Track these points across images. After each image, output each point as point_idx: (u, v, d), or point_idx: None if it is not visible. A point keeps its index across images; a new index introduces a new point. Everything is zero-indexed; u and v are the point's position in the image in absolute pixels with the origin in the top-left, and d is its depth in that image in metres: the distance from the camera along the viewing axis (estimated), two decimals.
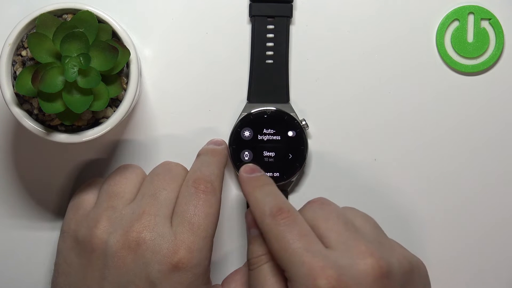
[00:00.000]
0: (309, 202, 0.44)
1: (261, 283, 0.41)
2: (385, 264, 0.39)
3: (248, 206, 0.50)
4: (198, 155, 0.47)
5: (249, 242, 0.43)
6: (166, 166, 0.46)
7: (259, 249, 0.42)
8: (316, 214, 0.42)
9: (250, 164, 0.46)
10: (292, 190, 0.50)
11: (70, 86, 0.42)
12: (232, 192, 0.51)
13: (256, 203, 0.43)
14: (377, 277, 0.39)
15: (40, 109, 0.43)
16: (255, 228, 0.43)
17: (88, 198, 0.46)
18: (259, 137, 0.49)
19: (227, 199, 0.51)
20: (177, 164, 0.46)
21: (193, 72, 0.50)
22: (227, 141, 0.49)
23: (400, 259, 0.41)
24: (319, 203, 0.43)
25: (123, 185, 0.45)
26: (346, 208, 0.44)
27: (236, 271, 0.47)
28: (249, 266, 0.43)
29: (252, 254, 0.42)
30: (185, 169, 0.46)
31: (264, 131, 0.49)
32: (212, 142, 0.49)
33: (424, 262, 0.43)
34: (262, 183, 0.44)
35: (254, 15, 0.49)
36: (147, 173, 0.47)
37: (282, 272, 0.41)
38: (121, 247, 0.42)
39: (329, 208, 0.43)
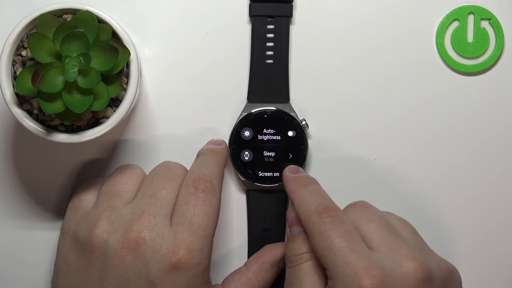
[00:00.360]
0: (350, 205, 0.44)
1: (300, 281, 0.41)
2: (427, 268, 0.39)
3: (250, 207, 0.50)
4: (198, 155, 0.47)
5: (290, 239, 0.43)
6: (166, 166, 0.46)
7: (301, 247, 0.42)
8: (359, 216, 0.42)
9: (294, 165, 0.47)
10: None
11: (70, 86, 0.42)
12: (232, 192, 0.51)
13: (302, 201, 0.43)
14: (420, 280, 0.39)
15: (40, 109, 0.43)
16: (297, 226, 0.43)
17: (88, 198, 0.46)
18: (259, 137, 0.49)
19: (227, 199, 0.51)
20: (177, 164, 0.46)
21: (193, 72, 0.50)
22: (227, 141, 0.49)
23: (439, 264, 0.41)
24: (361, 205, 0.43)
25: (123, 185, 0.45)
26: (385, 212, 0.44)
27: (236, 270, 0.48)
28: (288, 263, 0.43)
29: (293, 252, 0.42)
30: (185, 169, 0.46)
31: (264, 131, 0.49)
32: (212, 142, 0.49)
33: None
34: (307, 182, 0.45)
35: (254, 15, 0.49)
36: (147, 173, 0.47)
37: (322, 271, 0.41)
38: (120, 247, 0.42)
39: (371, 211, 0.43)
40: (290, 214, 0.44)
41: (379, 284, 0.38)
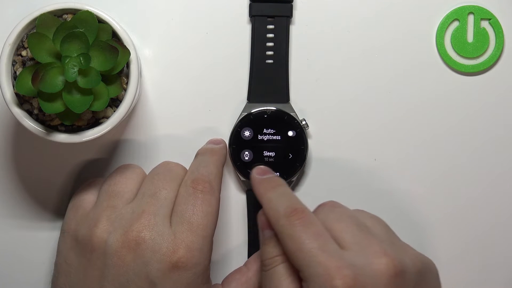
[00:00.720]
0: (320, 205, 0.44)
1: (276, 284, 0.41)
2: (399, 264, 0.39)
3: (250, 207, 0.50)
4: (197, 155, 0.47)
5: (262, 244, 0.43)
6: (166, 166, 0.46)
7: (273, 250, 0.42)
8: (329, 216, 0.42)
9: (262, 166, 0.47)
10: (293, 190, 0.50)
11: (70, 86, 0.42)
12: (232, 191, 0.51)
13: (270, 204, 0.43)
14: (392, 276, 0.39)
15: (40, 109, 0.43)
16: (268, 229, 0.43)
17: (88, 198, 0.46)
18: (259, 137, 0.49)
19: (227, 198, 0.51)
20: (177, 164, 0.47)
21: (193, 72, 0.50)
22: (227, 141, 0.49)
23: (412, 258, 0.41)
24: (330, 205, 0.43)
25: (123, 185, 0.45)
26: (356, 210, 0.44)
27: (236, 270, 0.47)
28: (263, 267, 0.43)
29: (266, 255, 0.42)
30: (184, 169, 0.46)
31: (264, 131, 0.49)
32: (211, 142, 0.49)
33: None
34: (275, 184, 0.44)
35: (254, 15, 0.49)
36: (147, 173, 0.47)
37: (296, 273, 0.41)
38: (120, 246, 0.42)
39: (341, 210, 0.43)
40: (260, 218, 0.44)
41: (351, 283, 0.38)
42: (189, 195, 0.44)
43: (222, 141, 0.49)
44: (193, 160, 0.47)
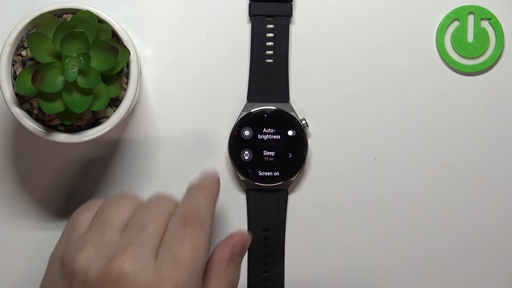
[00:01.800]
0: None
1: None
2: None
3: (250, 207, 0.50)
4: (189, 190, 0.45)
5: None
6: (158, 200, 0.44)
7: None
8: None
9: None
10: (292, 190, 0.50)
11: (70, 86, 0.42)
12: (232, 191, 0.51)
13: None
14: None
15: (40, 109, 0.43)
16: None
17: (83, 221, 0.44)
18: (259, 137, 0.49)
19: (227, 198, 0.50)
20: (170, 198, 0.44)
21: (193, 72, 0.50)
22: (226, 141, 0.49)
23: None
24: None
25: (115, 213, 0.43)
26: None
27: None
28: None
29: None
30: (177, 203, 0.44)
31: (264, 130, 0.49)
32: (203, 174, 0.46)
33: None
34: None
35: (253, 15, 0.49)
36: (145, 196, 0.45)
37: None
38: (102, 276, 0.40)
39: None
40: None
41: None
42: (178, 229, 0.42)
43: (215, 173, 0.46)
44: (185, 194, 0.45)
